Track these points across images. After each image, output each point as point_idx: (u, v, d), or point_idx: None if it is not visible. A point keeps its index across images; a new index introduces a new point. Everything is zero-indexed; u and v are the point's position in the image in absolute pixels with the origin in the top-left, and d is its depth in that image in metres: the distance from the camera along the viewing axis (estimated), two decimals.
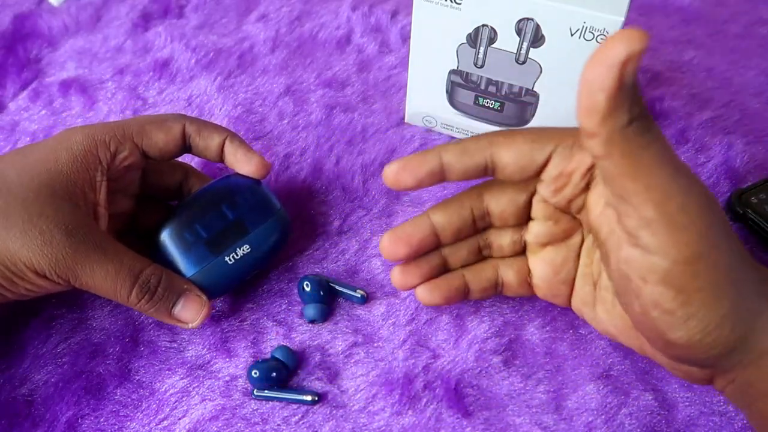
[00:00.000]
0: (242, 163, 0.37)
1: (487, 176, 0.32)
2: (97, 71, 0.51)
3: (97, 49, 0.53)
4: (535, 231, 0.34)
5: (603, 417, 0.34)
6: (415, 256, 0.35)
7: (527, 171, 0.31)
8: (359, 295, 0.38)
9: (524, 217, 0.35)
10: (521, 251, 0.36)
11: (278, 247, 0.38)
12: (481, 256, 0.36)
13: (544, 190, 0.32)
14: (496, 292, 0.36)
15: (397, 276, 0.35)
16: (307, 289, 0.37)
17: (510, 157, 0.31)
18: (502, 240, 0.36)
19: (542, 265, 0.35)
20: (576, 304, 0.35)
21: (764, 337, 0.27)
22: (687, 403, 0.35)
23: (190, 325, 0.34)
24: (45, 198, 0.31)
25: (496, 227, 0.35)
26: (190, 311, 0.34)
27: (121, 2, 0.57)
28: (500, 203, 0.34)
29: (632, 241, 0.26)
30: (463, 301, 0.36)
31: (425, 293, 0.35)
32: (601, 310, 0.34)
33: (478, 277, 0.36)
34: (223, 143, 0.37)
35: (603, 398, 0.35)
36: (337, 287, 0.38)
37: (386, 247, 0.34)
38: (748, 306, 0.27)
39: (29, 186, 0.31)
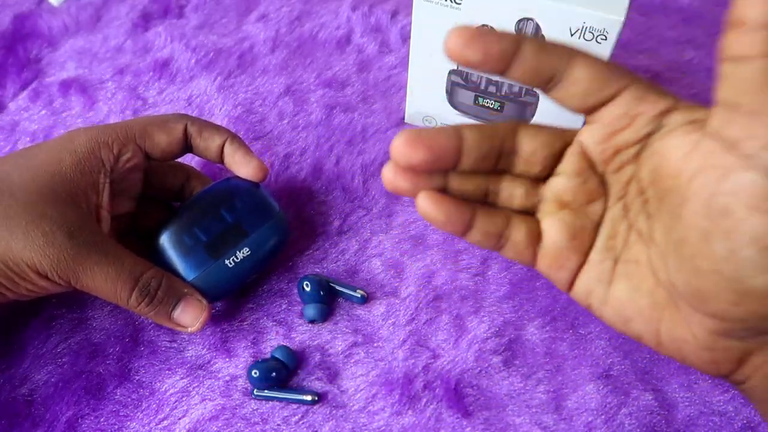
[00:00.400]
0: (240, 166, 0.37)
1: (545, 87, 0.29)
2: (97, 71, 0.51)
3: (97, 49, 0.53)
4: (557, 187, 0.31)
5: (603, 417, 0.34)
6: (428, 168, 0.29)
7: (592, 98, 0.28)
8: (359, 295, 0.38)
9: (549, 169, 0.31)
10: (531, 209, 0.32)
11: (277, 250, 0.38)
12: (485, 200, 0.32)
13: (591, 133, 0.30)
14: (496, 245, 0.32)
15: (390, 174, 0.29)
16: (307, 289, 0.37)
17: (586, 73, 0.28)
18: (515, 190, 0.32)
19: (557, 227, 0.31)
20: (585, 282, 0.32)
21: None
22: (687, 403, 0.35)
23: (189, 329, 0.34)
24: (48, 200, 0.31)
25: (514, 174, 0.32)
26: (190, 315, 0.34)
27: (121, 2, 0.57)
28: (534, 142, 0.30)
29: (750, 163, 0.24)
30: (460, 233, 0.31)
31: (428, 204, 0.30)
32: (620, 288, 0.31)
33: (487, 219, 0.31)
34: (223, 145, 0.37)
35: (603, 398, 0.35)
36: (337, 287, 0.38)
37: (401, 147, 0.28)
38: None
39: (32, 188, 0.31)
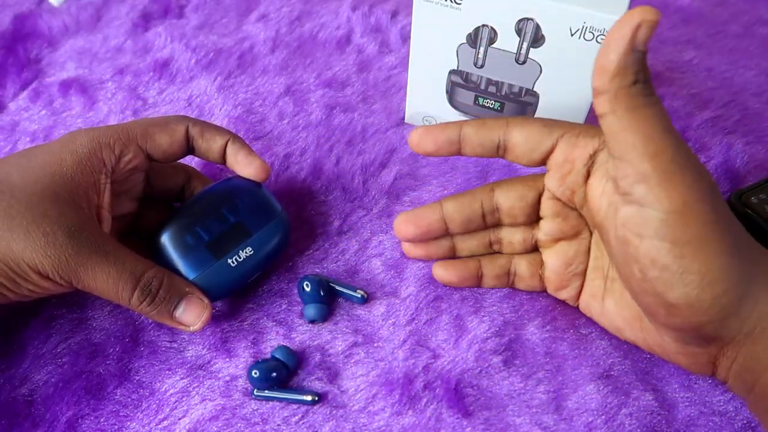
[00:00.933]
0: (243, 166, 0.37)
1: (498, 155, 0.35)
2: (97, 71, 0.51)
3: (97, 49, 0.53)
4: (545, 229, 0.36)
5: (603, 417, 0.34)
6: (424, 238, 0.37)
7: (535, 153, 0.34)
8: (359, 295, 0.38)
9: (533, 216, 0.37)
10: (532, 249, 0.38)
11: (280, 250, 0.38)
12: (491, 249, 0.38)
13: (551, 179, 0.34)
14: (508, 282, 0.38)
15: (406, 246, 0.39)
16: (307, 289, 0.37)
17: (522, 136, 0.33)
18: (513, 237, 0.38)
19: (555, 257, 0.37)
20: (585, 298, 0.37)
21: (763, 301, 0.28)
22: (687, 403, 0.35)
23: (191, 329, 0.34)
24: (49, 200, 0.31)
25: (507, 225, 0.37)
26: (192, 314, 0.34)
27: (121, 2, 0.57)
28: (509, 198, 0.36)
29: (628, 198, 0.29)
30: (475, 285, 0.38)
31: (441, 271, 0.38)
32: (609, 302, 0.35)
33: (492, 264, 0.38)
34: (225, 145, 0.37)
35: (603, 398, 0.35)
36: (337, 287, 0.38)
37: (397, 227, 0.37)
38: (743, 266, 0.28)
39: (33, 189, 0.31)
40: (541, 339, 0.37)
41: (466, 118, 0.45)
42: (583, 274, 0.36)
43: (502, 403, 0.35)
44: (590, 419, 0.34)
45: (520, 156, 0.34)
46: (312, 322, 0.38)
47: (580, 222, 0.36)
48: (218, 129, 0.37)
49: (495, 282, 0.38)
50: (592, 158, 0.32)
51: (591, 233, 0.36)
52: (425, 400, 0.35)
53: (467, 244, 0.38)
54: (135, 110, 0.49)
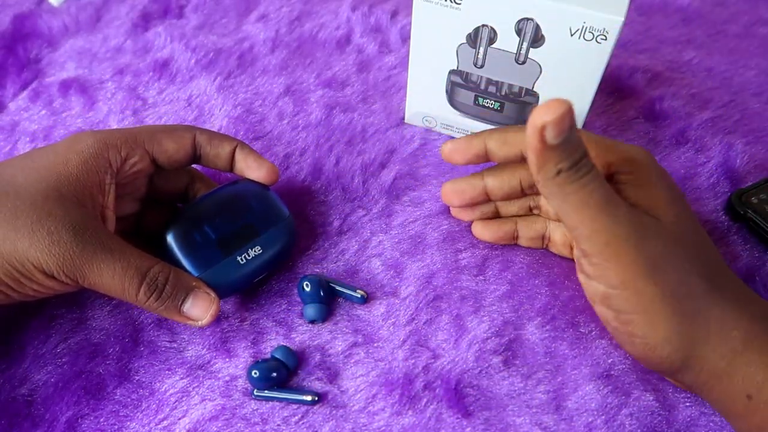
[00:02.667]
0: (253, 170, 0.38)
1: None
2: (97, 71, 0.51)
3: (97, 49, 0.53)
4: None
5: (603, 417, 0.34)
6: (469, 206, 0.40)
7: None
8: (359, 295, 0.38)
9: None
10: None
11: (288, 252, 0.38)
12: (531, 212, 0.40)
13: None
14: (542, 244, 0.40)
15: (454, 209, 0.41)
16: (307, 289, 0.37)
17: None
18: (551, 207, 0.38)
19: None
20: None
21: (711, 358, 0.30)
22: (688, 404, 0.35)
23: (200, 323, 0.34)
24: (53, 200, 0.31)
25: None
26: (199, 309, 0.34)
27: (121, 2, 0.57)
28: None
29: (579, 267, 0.33)
30: (510, 243, 0.40)
31: (479, 229, 0.40)
32: None
33: (528, 228, 0.40)
34: (234, 151, 0.38)
35: (603, 398, 0.35)
36: (337, 287, 0.38)
37: (444, 196, 0.40)
38: (688, 333, 0.30)
39: (37, 188, 0.32)
40: (540, 339, 0.37)
41: (466, 119, 0.45)
42: None
43: (502, 403, 0.35)
44: (590, 419, 0.34)
45: None
46: (312, 322, 0.38)
47: None
48: (225, 136, 0.38)
49: (529, 243, 0.40)
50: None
51: None
52: (425, 400, 0.35)
53: (509, 209, 0.40)
54: (135, 110, 0.49)
